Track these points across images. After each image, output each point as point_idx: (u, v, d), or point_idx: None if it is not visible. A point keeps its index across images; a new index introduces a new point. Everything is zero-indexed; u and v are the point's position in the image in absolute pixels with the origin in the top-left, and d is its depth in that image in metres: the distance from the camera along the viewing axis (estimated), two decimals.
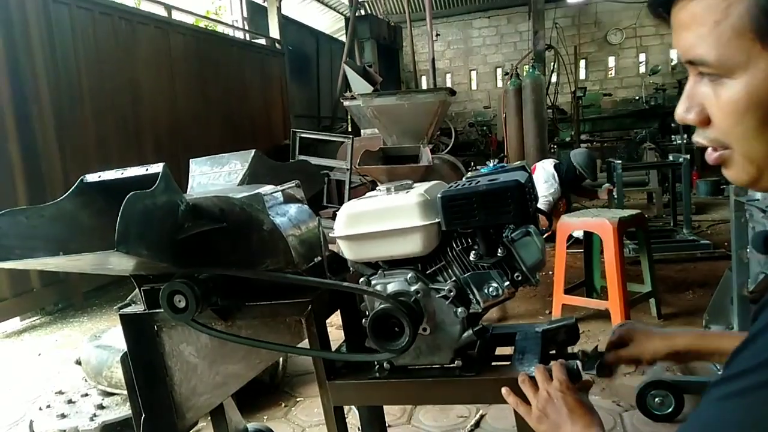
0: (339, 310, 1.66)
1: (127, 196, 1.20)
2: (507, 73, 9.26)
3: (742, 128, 0.60)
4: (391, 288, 1.36)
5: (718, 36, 0.58)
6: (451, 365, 1.36)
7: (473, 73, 14.24)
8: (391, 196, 1.39)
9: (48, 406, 2.53)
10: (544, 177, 4.69)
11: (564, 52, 10.86)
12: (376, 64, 10.28)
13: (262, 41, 8.69)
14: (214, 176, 1.81)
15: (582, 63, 12.91)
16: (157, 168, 1.37)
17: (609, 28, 12.79)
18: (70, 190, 1.45)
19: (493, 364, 1.40)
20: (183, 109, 6.42)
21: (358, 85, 5.97)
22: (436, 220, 1.30)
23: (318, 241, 1.55)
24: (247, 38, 8.40)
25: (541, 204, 4.65)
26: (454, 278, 1.35)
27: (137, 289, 1.55)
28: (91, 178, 1.46)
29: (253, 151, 1.81)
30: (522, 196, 1.22)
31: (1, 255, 1.31)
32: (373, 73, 7.39)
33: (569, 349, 1.53)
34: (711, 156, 0.66)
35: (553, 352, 1.53)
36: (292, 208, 1.60)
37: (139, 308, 1.59)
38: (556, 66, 10.55)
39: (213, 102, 7.00)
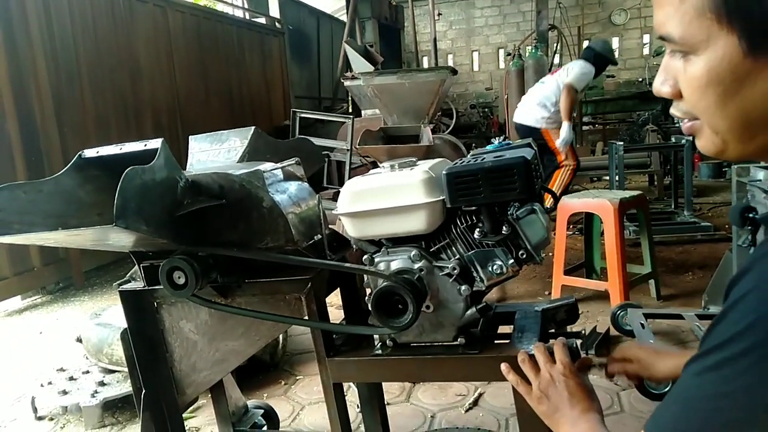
0: (339, 289, 1.66)
1: (126, 171, 1.18)
2: (509, 54, 9.17)
3: (705, 102, 0.63)
4: (395, 266, 1.35)
5: (682, 15, 0.61)
6: (454, 343, 1.36)
7: (475, 54, 14.09)
8: (395, 173, 1.37)
9: (49, 383, 2.54)
10: (579, 63, 4.86)
11: (567, 32, 10.74)
12: (377, 44, 10.16)
13: (262, 20, 8.59)
14: (214, 153, 1.79)
15: (585, 44, 12.77)
16: (155, 143, 1.35)
17: (613, 8, 12.63)
18: (68, 165, 1.44)
19: (496, 342, 1.39)
20: (182, 87, 6.36)
21: (359, 64, 5.90)
22: (441, 198, 1.29)
23: (318, 219, 1.54)
24: (247, 17, 8.29)
25: (572, 79, 4.74)
26: (458, 256, 1.33)
27: (136, 266, 1.54)
28: (89, 153, 1.44)
29: (253, 128, 1.78)
30: (528, 173, 1.20)
31: (0, 230, 1.30)
32: (374, 53, 7.31)
33: (568, 329, 1.53)
34: (684, 126, 0.70)
35: (553, 331, 1.52)
36: (292, 186, 1.58)
37: (138, 285, 1.59)
38: (559, 47, 10.44)
39: (212, 81, 6.94)
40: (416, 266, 1.33)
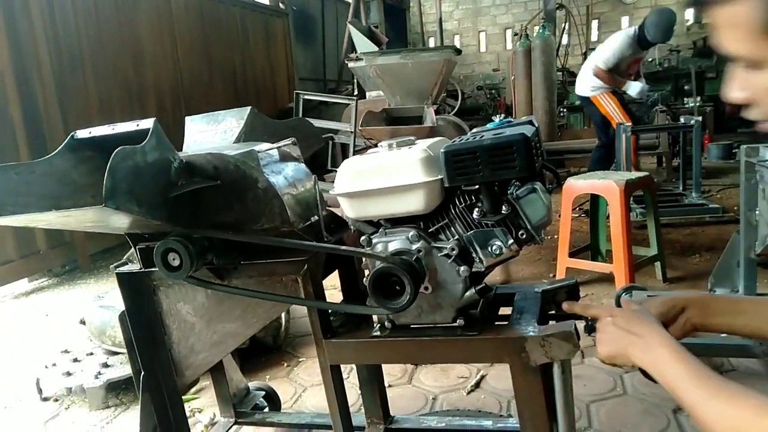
0: (337, 271, 1.64)
1: (116, 151, 1.16)
2: (516, 34, 9.04)
3: None
4: (393, 247, 1.33)
5: (740, 39, 0.71)
6: (453, 324, 1.34)
7: (482, 35, 13.92)
8: (393, 152, 1.34)
9: (54, 365, 2.56)
10: (619, 36, 4.89)
11: (576, 12, 10.56)
12: (382, 25, 10.03)
13: (266, 1, 8.49)
14: (210, 134, 1.77)
15: (594, 23, 12.57)
16: (147, 123, 1.32)
17: None
18: (61, 146, 1.42)
19: (495, 324, 1.37)
20: (186, 70, 6.32)
21: (363, 45, 5.82)
22: (439, 177, 1.26)
23: (315, 200, 1.51)
24: None
25: (598, 61, 4.81)
26: (457, 236, 1.31)
27: (132, 248, 1.53)
28: (82, 134, 1.43)
29: (249, 108, 1.76)
30: (528, 151, 1.16)
31: None
32: (379, 33, 7.21)
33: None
34: (764, 126, 0.79)
35: (553, 312, 1.50)
36: (288, 167, 1.56)
37: (135, 267, 1.57)
38: (567, 27, 10.27)
39: (216, 63, 6.89)
40: (414, 247, 1.31)
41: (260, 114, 1.79)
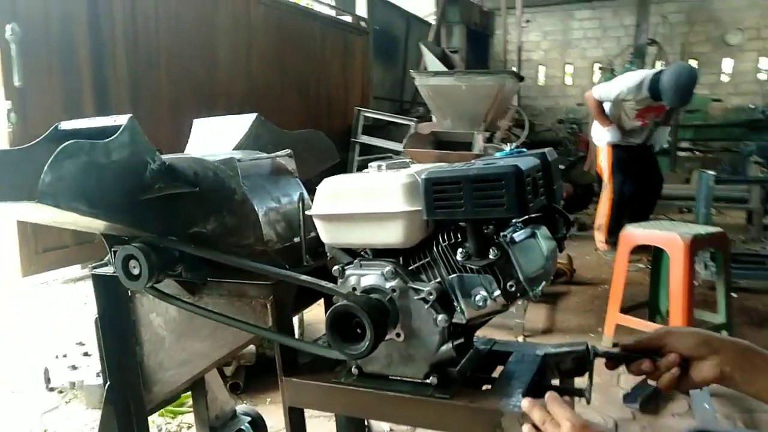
0: (323, 301, 1.49)
1: (64, 145, 1.07)
2: (602, 68, 8.63)
3: None
4: (365, 282, 1.16)
5: None
6: (426, 381, 1.14)
7: (569, 67, 13.46)
8: (376, 175, 1.18)
9: (64, 356, 2.56)
10: (632, 74, 4.41)
11: (670, 49, 9.96)
12: (464, 50, 9.91)
13: (348, 18, 8.59)
14: (212, 138, 1.68)
15: (692, 63, 11.83)
16: (121, 120, 1.24)
17: (728, 27, 11.58)
18: (43, 136, 1.36)
19: (477, 389, 1.16)
20: (259, 80, 6.45)
21: (435, 68, 5.70)
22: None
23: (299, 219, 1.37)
24: (332, 14, 8.33)
25: (598, 90, 4.39)
26: (439, 279, 1.12)
27: (108, 250, 1.45)
28: (66, 126, 1.36)
29: (254, 114, 1.65)
30: (519, 187, 0.97)
31: None
32: (454, 57, 7.08)
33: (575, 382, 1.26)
34: None
35: (557, 382, 1.27)
36: (277, 180, 1.43)
37: (111, 269, 1.49)
38: (660, 64, 9.70)
39: (289, 74, 6.99)
40: (388, 285, 1.13)
41: (267, 122, 1.69)
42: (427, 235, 1.13)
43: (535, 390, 1.13)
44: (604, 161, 4.66)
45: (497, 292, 1.05)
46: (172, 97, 5.34)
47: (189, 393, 2.01)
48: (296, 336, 1.41)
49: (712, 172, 4.48)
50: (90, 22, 4.45)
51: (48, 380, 2.49)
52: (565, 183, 5.89)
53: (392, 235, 1.11)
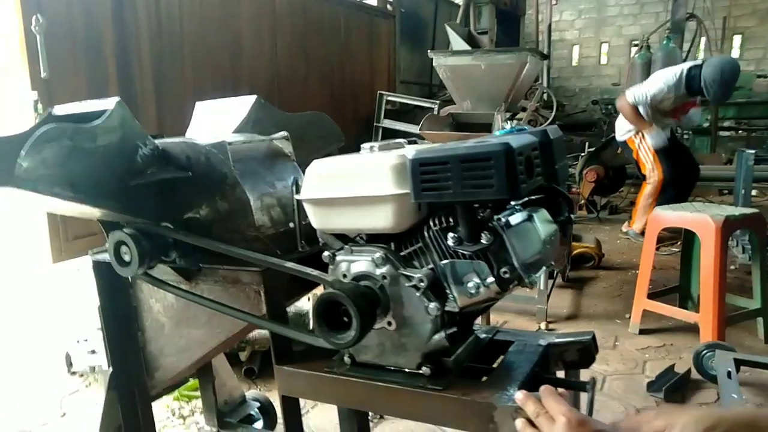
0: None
1: (45, 128, 1.05)
2: (637, 45, 8.31)
3: None
4: (356, 268, 1.11)
5: None
6: (418, 372, 1.10)
7: (604, 46, 13.01)
8: (365, 156, 1.13)
9: (85, 340, 2.60)
10: (667, 71, 4.15)
11: (711, 24, 9.49)
12: (493, 32, 9.65)
13: (374, 2, 8.48)
14: (213, 122, 1.65)
15: (737, 39, 11.28)
16: (108, 103, 1.21)
17: None
18: (37, 121, 1.35)
19: (472, 380, 1.10)
20: (282, 66, 6.43)
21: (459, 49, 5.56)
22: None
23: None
24: None
25: (631, 95, 4.11)
26: (431, 265, 1.07)
27: (105, 236, 1.44)
28: (60, 110, 1.35)
29: (254, 97, 1.61)
30: (510, 166, 0.90)
31: None
32: (481, 38, 6.89)
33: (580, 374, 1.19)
34: None
35: (562, 374, 1.20)
36: (273, 164, 1.39)
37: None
38: (702, 41, 9.27)
39: (314, 61, 6.95)
40: (378, 272, 1.08)
41: (268, 104, 1.64)
42: (420, 219, 1.08)
43: (535, 382, 1.06)
44: (643, 153, 4.42)
45: (490, 279, 0.99)
46: (195, 85, 5.37)
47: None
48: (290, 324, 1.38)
49: (751, 151, 4.26)
50: (114, 12, 4.49)
51: (70, 364, 2.54)
52: (595, 165, 5.70)
53: (381, 219, 1.06)
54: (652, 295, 3.00)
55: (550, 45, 7.98)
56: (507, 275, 0.98)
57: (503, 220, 1.00)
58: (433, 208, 1.07)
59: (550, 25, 7.62)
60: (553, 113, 4.91)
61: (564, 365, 1.20)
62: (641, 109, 4.25)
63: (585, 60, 13.11)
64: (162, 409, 2.23)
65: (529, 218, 1.02)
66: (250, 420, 1.93)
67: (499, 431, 0.98)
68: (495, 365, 1.20)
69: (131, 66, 4.64)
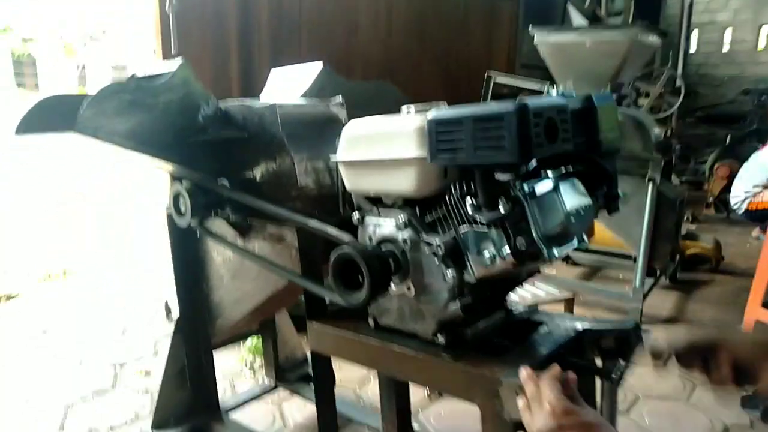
0: None
1: (107, 84, 1.16)
2: None
3: None
4: (381, 231, 1.11)
5: None
6: (434, 339, 1.07)
7: (764, 29, 11.54)
8: (395, 118, 1.11)
9: None
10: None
11: None
12: (629, 12, 8.97)
13: None
14: (284, 87, 1.71)
15: None
16: (172, 66, 1.31)
17: None
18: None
19: (487, 354, 1.06)
20: (396, 47, 6.47)
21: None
22: None
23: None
24: None
25: (740, 192, 3.58)
26: (453, 233, 1.03)
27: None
28: (140, 72, 1.48)
29: (320, 64, 1.65)
30: (522, 127, 0.84)
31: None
32: (606, 17, 6.42)
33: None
34: None
35: (599, 361, 1.11)
36: (324, 128, 1.41)
37: None
38: None
39: (428, 42, 6.90)
40: (401, 236, 1.07)
41: (333, 73, 1.68)
42: (446, 184, 1.05)
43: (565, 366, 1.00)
44: None
45: (506, 250, 0.94)
46: (310, 59, 5.58)
47: None
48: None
49: None
50: None
51: (168, 311, 2.81)
52: (729, 160, 5.10)
53: (404, 183, 1.04)
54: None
55: (689, 26, 7.22)
56: (523, 247, 0.93)
57: (526, 188, 0.94)
58: (458, 174, 1.03)
59: (691, 4, 6.89)
60: (680, 99, 4.44)
61: (600, 353, 1.11)
62: None
63: (738, 45, 11.71)
64: (237, 360, 2.39)
65: (555, 188, 0.94)
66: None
67: (504, 406, 0.93)
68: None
69: (251, 44, 4.94)
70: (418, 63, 6.82)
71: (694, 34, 11.60)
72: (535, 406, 0.81)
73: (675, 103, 4.34)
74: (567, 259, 3.77)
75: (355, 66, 6.01)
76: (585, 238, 1.00)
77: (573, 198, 0.96)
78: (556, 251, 0.94)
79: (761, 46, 11.61)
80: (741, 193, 3.93)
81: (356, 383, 2.23)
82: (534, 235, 0.92)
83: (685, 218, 5.02)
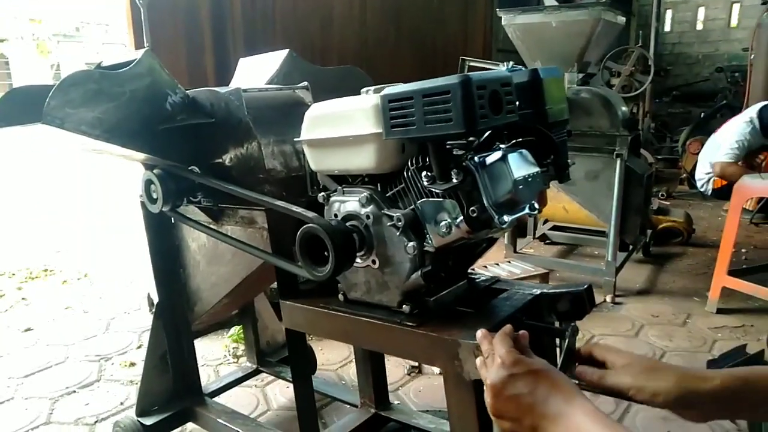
0: None
1: (72, 73, 1.19)
2: (765, 2, 7.40)
3: None
4: (345, 208, 1.16)
5: None
6: (399, 310, 1.12)
7: (736, 7, 11.68)
8: (354, 98, 1.15)
9: None
10: (737, 121, 3.68)
11: None
12: None
13: None
14: (249, 76, 1.74)
15: None
16: (137, 54, 1.34)
17: None
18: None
19: (448, 321, 1.11)
20: (372, 34, 6.47)
21: None
22: None
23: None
24: None
25: (724, 155, 3.67)
26: (412, 206, 1.08)
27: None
28: (106, 62, 1.50)
29: (286, 51, 1.68)
30: (466, 99, 0.89)
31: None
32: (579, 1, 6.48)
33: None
34: None
35: (557, 323, 1.17)
36: (291, 112, 1.45)
37: None
38: None
39: (404, 28, 6.91)
40: (363, 212, 1.12)
41: (299, 59, 1.71)
42: (404, 160, 1.09)
43: (515, 328, 1.05)
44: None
45: (460, 218, 0.99)
46: None
47: None
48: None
49: None
50: None
51: (151, 303, 2.83)
52: (701, 136, 5.20)
53: (364, 159, 1.09)
54: (739, 273, 2.76)
55: (660, 5, 7.32)
56: (475, 214, 0.98)
57: (477, 159, 0.99)
58: (417, 149, 1.08)
59: None
60: (650, 78, 4.52)
61: (557, 315, 1.17)
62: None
63: (711, 23, 11.85)
64: (220, 348, 2.43)
65: (503, 158, 0.99)
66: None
67: (463, 367, 0.99)
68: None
69: (226, 36, 4.92)
70: (394, 51, 6.84)
71: (669, 13, 11.75)
72: (488, 361, 0.87)
73: (645, 81, 4.43)
74: (544, 238, 3.85)
75: (330, 56, 6.01)
76: (536, 206, 1.05)
77: (521, 167, 1.01)
78: (507, 218, 0.98)
79: (734, 23, 11.76)
80: (703, 174, 4.03)
81: (337, 365, 2.28)
82: (485, 202, 0.97)
83: (659, 194, 5.13)
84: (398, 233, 1.07)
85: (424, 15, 7.26)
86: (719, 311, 2.68)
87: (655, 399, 0.85)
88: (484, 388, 0.83)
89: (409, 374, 2.17)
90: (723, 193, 3.85)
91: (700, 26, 12.15)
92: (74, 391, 2.20)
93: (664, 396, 0.84)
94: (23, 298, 3.28)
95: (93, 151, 1.46)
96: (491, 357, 0.87)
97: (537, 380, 0.78)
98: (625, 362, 0.89)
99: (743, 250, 3.66)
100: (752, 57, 6.64)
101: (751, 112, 3.75)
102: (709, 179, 3.99)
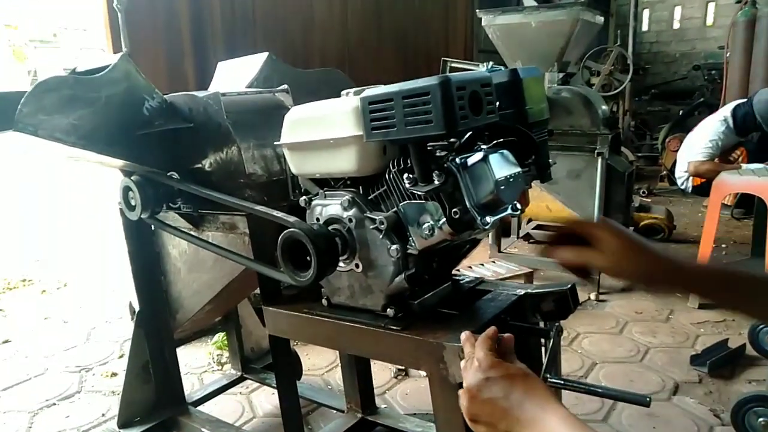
0: None
1: (44, 79, 1.16)
2: (740, 1, 7.52)
3: None
4: (327, 212, 1.14)
5: None
6: (383, 313, 1.11)
7: (711, 5, 11.88)
8: (334, 100, 1.14)
9: None
10: (712, 120, 3.73)
11: None
12: None
13: None
14: (230, 79, 1.72)
15: None
16: (113, 59, 1.31)
17: None
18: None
19: (433, 324, 1.10)
20: (354, 35, 6.46)
21: None
22: None
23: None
24: None
25: (699, 154, 3.71)
26: (394, 208, 1.07)
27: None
28: (81, 67, 1.47)
29: (265, 54, 1.67)
30: (446, 100, 0.88)
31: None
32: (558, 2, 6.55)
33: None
34: None
35: (542, 323, 1.17)
36: (271, 115, 1.43)
37: None
38: None
39: (386, 30, 6.92)
40: (346, 215, 1.11)
41: (279, 61, 1.70)
42: (386, 162, 1.08)
43: (500, 329, 1.05)
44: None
45: (442, 220, 0.98)
46: None
47: None
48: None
49: None
50: None
51: (133, 312, 2.78)
52: (680, 133, 5.27)
53: (345, 162, 1.08)
54: None
55: (637, 4, 7.42)
56: (458, 216, 0.97)
57: (458, 160, 0.98)
58: (398, 151, 1.07)
59: None
60: (629, 77, 4.57)
61: (542, 315, 1.17)
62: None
63: (688, 22, 12.03)
64: (204, 355, 2.40)
65: (484, 159, 0.99)
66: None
67: (449, 370, 0.98)
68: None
69: (205, 40, 4.87)
70: (376, 52, 6.84)
71: (646, 13, 11.91)
72: (469, 364, 0.86)
73: (624, 80, 4.47)
74: (528, 238, 3.87)
75: (313, 58, 5.99)
76: (519, 206, 1.05)
77: (502, 167, 1.00)
78: (489, 219, 0.98)
79: (710, 21, 11.95)
80: (683, 172, 4.08)
81: (323, 369, 2.26)
82: (468, 204, 0.97)
83: (639, 191, 5.18)
84: (381, 236, 1.06)
85: (405, 16, 7.27)
86: (701, 306, 2.71)
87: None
88: (460, 391, 0.82)
89: (395, 377, 2.16)
90: (703, 189, 3.89)
91: (677, 25, 12.34)
92: (54, 404, 2.16)
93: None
94: (0, 310, 3.21)
95: (69, 159, 1.43)
96: (471, 360, 0.86)
97: (512, 384, 0.77)
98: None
99: (723, 246, 3.71)
100: (728, 55, 6.76)
101: (725, 111, 3.80)
102: (688, 176, 4.04)
